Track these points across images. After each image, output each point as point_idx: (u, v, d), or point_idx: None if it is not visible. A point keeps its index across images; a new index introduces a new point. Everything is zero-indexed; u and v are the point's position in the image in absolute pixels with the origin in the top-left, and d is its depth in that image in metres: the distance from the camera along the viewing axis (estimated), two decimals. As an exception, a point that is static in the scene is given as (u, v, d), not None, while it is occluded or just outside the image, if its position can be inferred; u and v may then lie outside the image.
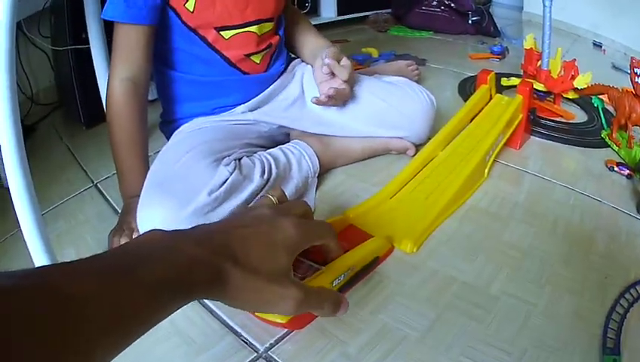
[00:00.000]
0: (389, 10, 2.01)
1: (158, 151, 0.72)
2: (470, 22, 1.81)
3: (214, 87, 0.79)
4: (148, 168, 0.68)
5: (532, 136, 0.98)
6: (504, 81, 1.17)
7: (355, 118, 0.84)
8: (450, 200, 0.72)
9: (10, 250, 0.69)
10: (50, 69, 1.24)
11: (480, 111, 0.93)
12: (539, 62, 1.06)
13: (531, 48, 1.10)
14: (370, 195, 0.74)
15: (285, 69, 0.88)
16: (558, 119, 1.04)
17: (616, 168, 0.85)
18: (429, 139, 0.85)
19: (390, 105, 0.84)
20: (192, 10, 0.71)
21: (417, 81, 1.04)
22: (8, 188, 0.53)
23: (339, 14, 1.88)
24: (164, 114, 0.84)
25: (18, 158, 0.52)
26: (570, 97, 1.06)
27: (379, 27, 1.92)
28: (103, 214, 0.77)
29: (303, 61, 0.91)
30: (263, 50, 0.80)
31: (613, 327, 0.52)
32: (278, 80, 0.85)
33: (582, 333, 0.52)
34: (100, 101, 0.98)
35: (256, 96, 0.82)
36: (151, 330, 0.30)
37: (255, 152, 0.74)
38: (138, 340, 0.29)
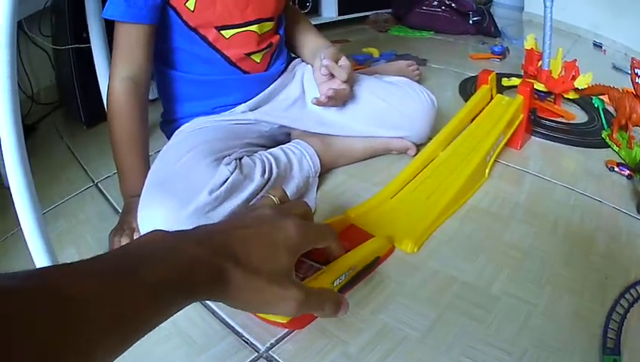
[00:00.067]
0: (390, 10, 2.01)
1: (159, 151, 0.72)
2: (471, 22, 1.81)
3: (215, 87, 0.79)
4: (148, 168, 0.68)
5: (533, 137, 0.98)
6: (505, 82, 1.17)
7: (356, 117, 0.84)
8: (451, 201, 0.72)
9: (10, 249, 0.69)
10: (51, 68, 1.24)
11: (481, 112, 0.93)
12: (539, 63, 1.06)
13: (532, 48, 1.10)
14: (371, 195, 0.74)
15: (286, 68, 0.88)
16: (558, 119, 1.05)
17: (616, 168, 0.85)
18: (430, 139, 0.85)
19: (391, 105, 0.84)
20: (192, 10, 0.71)
21: (418, 81, 1.04)
22: (9, 187, 0.53)
23: (339, 14, 1.88)
24: (164, 113, 0.84)
25: (19, 157, 0.52)
26: (571, 97, 1.06)
27: (379, 27, 1.92)
28: (103, 214, 0.77)
29: (303, 61, 0.91)
30: (263, 49, 0.80)
31: (614, 327, 0.52)
32: (279, 79, 0.85)
33: (582, 333, 0.52)
34: (101, 100, 0.99)
35: (257, 95, 0.82)
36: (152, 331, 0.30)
37: (256, 152, 0.74)
38: (139, 341, 0.29)
